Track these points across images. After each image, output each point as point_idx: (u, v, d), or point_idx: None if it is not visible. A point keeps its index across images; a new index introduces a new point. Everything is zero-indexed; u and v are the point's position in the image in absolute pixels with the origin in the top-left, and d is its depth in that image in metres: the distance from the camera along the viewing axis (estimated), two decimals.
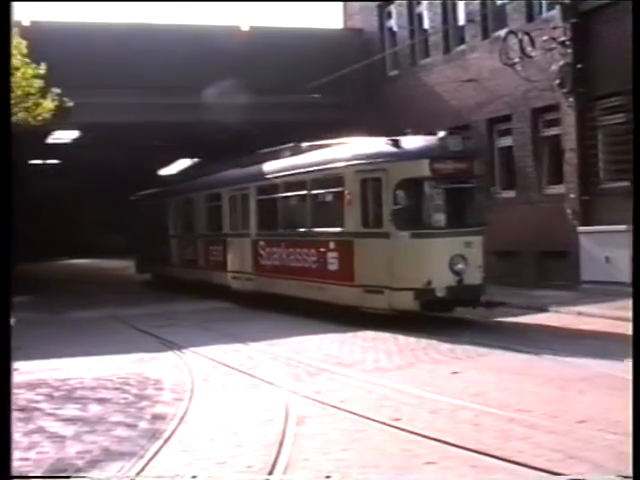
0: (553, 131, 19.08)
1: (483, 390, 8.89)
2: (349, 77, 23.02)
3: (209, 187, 21.87)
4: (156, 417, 8.19)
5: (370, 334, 13.37)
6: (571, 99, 17.71)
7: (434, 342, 12.27)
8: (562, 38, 17.68)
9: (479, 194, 14.40)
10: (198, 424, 7.93)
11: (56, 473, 6.50)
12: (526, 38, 18.51)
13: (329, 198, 15.59)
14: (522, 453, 6.49)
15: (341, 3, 27.83)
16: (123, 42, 22.31)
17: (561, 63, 17.69)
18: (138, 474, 6.40)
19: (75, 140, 28.21)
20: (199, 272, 22.07)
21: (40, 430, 7.83)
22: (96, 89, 20.92)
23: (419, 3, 24.01)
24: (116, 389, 9.68)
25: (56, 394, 9.53)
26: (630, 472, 4.95)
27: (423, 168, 13.62)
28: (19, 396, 9.46)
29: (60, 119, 14.05)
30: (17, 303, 14.95)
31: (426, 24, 23.80)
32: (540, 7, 19.43)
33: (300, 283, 16.10)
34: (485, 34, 21.01)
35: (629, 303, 9.09)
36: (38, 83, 12.75)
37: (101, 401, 9.04)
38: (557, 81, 17.79)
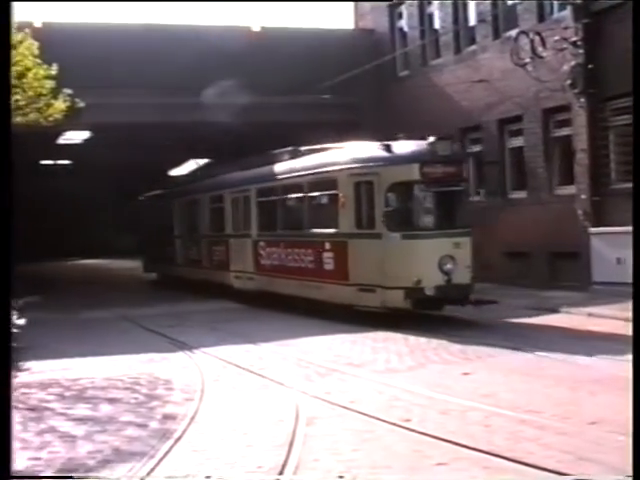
0: (564, 132, 19.02)
1: (494, 391, 8.88)
2: (360, 77, 23.00)
3: (212, 189, 22.32)
4: (167, 417, 8.21)
5: (381, 335, 13.36)
6: (582, 99, 17.65)
7: (445, 343, 12.26)
8: (573, 38, 17.62)
9: (467, 196, 14.88)
10: (209, 424, 7.94)
11: (66, 473, 6.52)
12: (537, 38, 18.46)
13: (325, 200, 16.11)
14: (533, 454, 6.47)
15: (352, 3, 27.82)
16: (134, 43, 22.35)
17: (572, 63, 17.63)
18: (149, 474, 6.41)
19: (86, 141, 28.28)
20: (203, 272, 22.55)
21: (51, 430, 7.86)
22: (107, 89, 20.96)
23: (430, 3, 23.97)
24: (127, 389, 9.70)
25: (67, 394, 9.55)
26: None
27: (413, 172, 14.15)
28: (30, 396, 9.50)
29: (71, 120, 14.07)
30: (28, 303, 15.02)
31: (437, 24, 23.74)
32: (551, 7, 19.36)
33: (298, 282, 16.58)
34: (496, 34, 20.95)
35: None
36: (50, 84, 12.77)
37: (112, 401, 9.06)
38: (568, 81, 17.73)
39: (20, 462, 6.79)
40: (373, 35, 25.92)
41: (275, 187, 17.96)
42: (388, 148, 14.52)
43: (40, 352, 12.18)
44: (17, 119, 12.57)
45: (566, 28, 17.86)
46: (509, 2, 20.74)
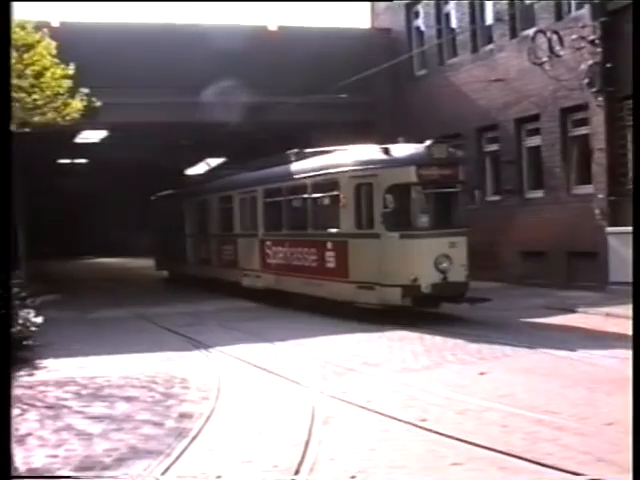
0: (582, 131, 18.93)
1: (511, 391, 8.84)
2: (376, 77, 22.98)
3: (222, 189, 22.84)
4: (183, 416, 8.22)
5: (397, 334, 13.35)
6: (600, 98, 17.56)
7: (461, 342, 12.22)
8: (591, 37, 17.53)
9: (463, 198, 15.32)
10: (225, 423, 7.95)
11: (83, 470, 6.54)
12: (555, 37, 18.38)
13: (327, 201, 16.56)
14: (551, 455, 6.44)
15: (368, 3, 27.78)
16: (151, 42, 22.41)
17: (590, 62, 17.55)
18: (164, 472, 6.42)
19: (103, 140, 28.41)
20: (213, 270, 23.10)
21: (68, 427, 7.89)
22: (124, 89, 21.03)
23: (447, 2, 23.91)
24: (143, 387, 9.72)
25: (84, 392, 9.59)
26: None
27: (410, 174, 14.61)
28: (47, 394, 9.55)
29: (88, 119, 14.13)
30: (45, 302, 15.11)
31: (454, 23, 23.68)
32: (569, 6, 19.26)
33: (302, 280, 17.10)
34: (513, 33, 20.87)
35: None
36: (67, 83, 12.81)
37: (128, 399, 9.08)
38: (586, 80, 17.65)
39: (38, 459, 6.83)
40: (389, 34, 25.87)
41: (280, 188, 18.52)
42: (387, 151, 15.00)
43: (57, 350, 12.26)
44: (35, 118, 12.65)
45: (584, 26, 17.78)
46: (526, 1, 20.64)
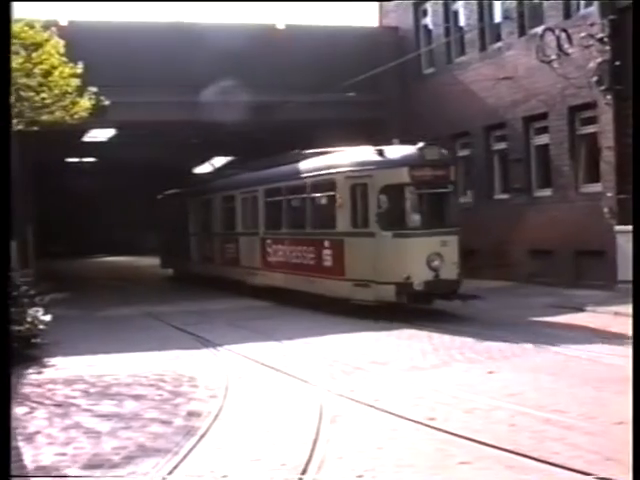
0: (590, 129, 18.88)
1: (519, 390, 8.83)
2: (384, 75, 22.96)
3: (225, 189, 23.34)
4: (191, 414, 8.24)
5: (405, 332, 13.36)
6: (609, 96, 17.51)
7: (469, 341, 12.21)
8: (600, 35, 17.47)
9: (454, 197, 15.89)
10: (233, 421, 7.96)
11: (91, 469, 6.56)
12: (563, 35, 18.34)
13: (324, 201, 17.04)
14: (558, 454, 6.43)
15: (376, 1, 27.74)
16: (159, 41, 22.44)
17: (599, 60, 17.50)
18: (172, 471, 6.44)
19: (111, 139, 28.46)
20: (216, 268, 23.56)
21: (77, 425, 7.92)
22: (132, 88, 21.04)
23: (455, 0, 23.87)
24: (151, 386, 9.75)
25: (92, 390, 9.62)
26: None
27: (403, 175, 15.05)
28: (56, 392, 9.58)
29: (96, 118, 14.14)
30: (54, 300, 15.14)
31: (462, 21, 23.63)
32: (578, 4, 19.20)
33: (300, 278, 17.58)
34: (522, 31, 20.81)
35: None
36: (75, 82, 12.81)
37: (136, 397, 9.11)
38: (595, 78, 17.60)
39: (46, 457, 6.86)
40: (397, 32, 25.84)
41: (280, 188, 18.99)
42: (381, 153, 15.45)
43: (65, 348, 12.29)
44: (43, 117, 12.67)
45: (592, 24, 17.72)
46: None
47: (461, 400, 8.46)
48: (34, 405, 8.85)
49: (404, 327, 13.77)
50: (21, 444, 7.26)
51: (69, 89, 12.66)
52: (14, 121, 12.48)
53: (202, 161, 37.47)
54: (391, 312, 14.81)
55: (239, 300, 19.56)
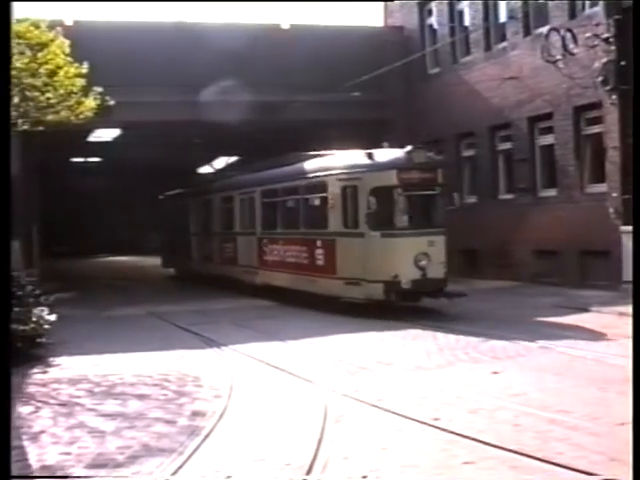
0: (595, 129, 18.85)
1: (523, 390, 8.83)
2: (389, 75, 22.95)
3: (224, 190, 23.91)
4: (195, 414, 8.24)
5: (410, 333, 13.35)
6: (614, 96, 17.48)
7: (474, 341, 12.20)
8: (605, 35, 17.45)
9: (441, 200, 16.20)
10: (237, 421, 7.96)
11: (96, 468, 6.57)
12: (568, 35, 18.31)
13: (317, 202, 17.60)
14: (563, 455, 6.43)
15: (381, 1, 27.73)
16: (164, 41, 22.46)
17: (604, 60, 17.47)
18: (177, 470, 6.44)
19: (116, 139, 28.49)
20: (215, 267, 24.09)
21: (81, 425, 7.93)
22: (137, 87, 21.07)
23: (460, 0, 23.85)
24: (156, 385, 9.75)
25: (97, 390, 9.62)
26: None
27: (391, 178, 15.56)
28: (61, 391, 9.59)
29: (101, 117, 14.14)
30: (59, 299, 15.16)
31: (467, 21, 23.63)
32: (583, 4, 19.18)
33: (295, 277, 18.12)
34: (527, 31, 20.80)
35: None
36: (80, 82, 12.82)
37: (141, 397, 9.11)
38: (600, 78, 17.57)
39: (51, 457, 6.87)
40: (402, 32, 25.83)
41: (276, 189, 19.59)
42: (370, 156, 15.96)
43: (70, 348, 12.31)
44: (49, 117, 12.67)
45: (598, 24, 17.69)
46: None
47: (465, 400, 8.46)
48: (39, 404, 8.87)
49: (409, 327, 13.78)
50: (26, 443, 7.27)
51: (74, 89, 12.66)
52: (19, 121, 12.51)
53: (206, 161, 37.48)
54: (394, 312, 14.89)
55: (242, 300, 19.57)
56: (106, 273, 33.89)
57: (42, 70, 12.43)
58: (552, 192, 20.20)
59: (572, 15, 19.19)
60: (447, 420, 7.64)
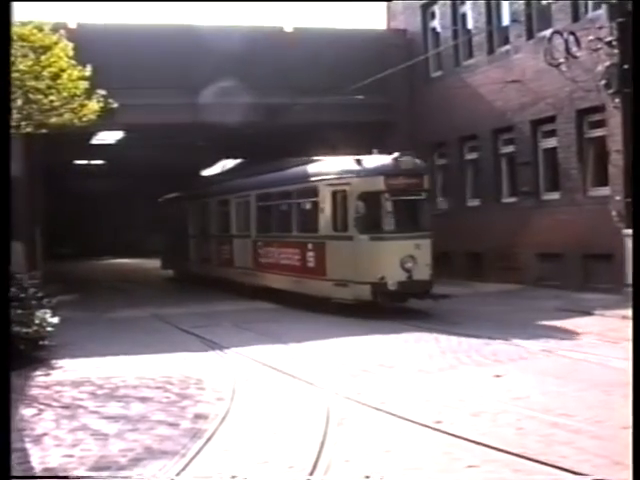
0: (598, 132, 18.83)
1: (526, 394, 8.82)
2: (392, 78, 22.93)
3: (221, 193, 24.47)
4: (198, 416, 8.24)
5: (412, 336, 13.35)
6: (617, 100, 17.47)
7: (476, 345, 12.19)
8: (608, 38, 17.40)
9: (427, 204, 16.89)
10: (240, 424, 7.96)
11: (98, 470, 6.57)
12: (571, 38, 18.28)
13: (308, 206, 18.18)
14: (565, 458, 6.42)
15: (384, 4, 27.76)
16: (167, 43, 22.47)
17: (607, 63, 17.43)
18: (179, 473, 6.44)
19: (119, 141, 28.50)
20: (213, 269, 24.60)
21: (84, 427, 7.93)
22: (141, 90, 21.09)
23: (463, 3, 23.84)
24: (158, 388, 9.75)
25: (99, 392, 9.63)
26: None
27: (379, 183, 16.13)
28: (63, 393, 9.59)
29: (105, 120, 14.15)
30: (63, 302, 15.18)
31: (470, 24, 23.62)
32: (586, 7, 19.15)
33: (288, 278, 18.62)
34: (530, 34, 20.78)
35: None
36: (84, 84, 12.83)
37: (144, 400, 9.11)
38: (603, 82, 17.55)
39: (53, 459, 6.87)
40: (405, 35, 25.83)
41: (270, 194, 20.16)
42: (359, 162, 16.51)
43: (73, 350, 12.31)
44: (52, 120, 12.68)
45: (601, 28, 17.66)
46: (543, 2, 20.55)
47: (468, 403, 8.45)
48: (42, 407, 8.87)
49: (411, 330, 13.78)
50: (28, 446, 7.28)
51: (77, 92, 12.66)
52: (23, 124, 12.52)
53: (211, 163, 37.46)
54: (397, 314, 14.98)
55: (242, 302, 19.60)
56: (108, 275, 33.90)
57: (45, 73, 12.43)
58: (555, 195, 20.18)
59: (575, 18, 19.18)
60: (450, 423, 7.63)
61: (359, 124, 24.45)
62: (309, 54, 23.21)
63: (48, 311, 12.35)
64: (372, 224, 16.14)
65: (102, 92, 12.99)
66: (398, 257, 15.75)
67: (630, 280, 16.85)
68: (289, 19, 57.24)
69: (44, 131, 13.17)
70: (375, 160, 16.77)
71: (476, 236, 22.20)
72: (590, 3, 18.94)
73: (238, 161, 35.20)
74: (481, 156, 23.09)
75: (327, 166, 17.65)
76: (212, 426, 7.78)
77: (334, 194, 16.77)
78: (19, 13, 14.61)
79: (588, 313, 15.22)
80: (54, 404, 9.02)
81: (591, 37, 17.73)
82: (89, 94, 12.88)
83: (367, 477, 6.21)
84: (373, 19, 70.68)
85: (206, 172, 37.91)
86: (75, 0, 42.77)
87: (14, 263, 10.53)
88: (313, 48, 23.31)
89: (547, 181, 20.65)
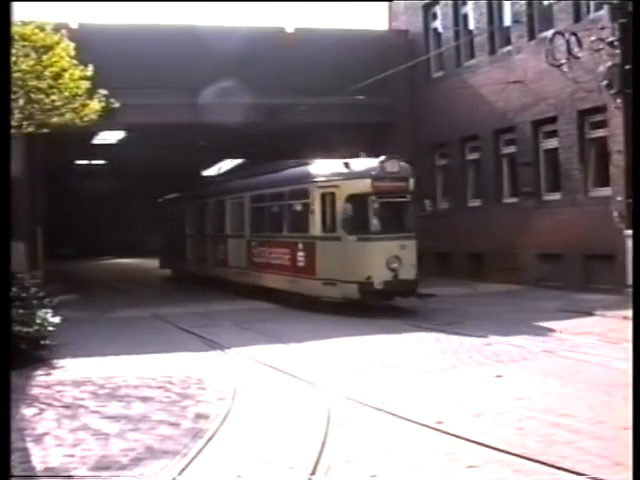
0: (600, 133, 18.83)
1: (527, 394, 8.82)
2: (393, 79, 22.95)
3: (216, 194, 24.91)
4: (199, 416, 8.24)
5: (413, 336, 13.35)
6: (619, 100, 17.46)
7: (477, 345, 12.20)
8: (610, 38, 17.41)
9: (413, 206, 17.23)
10: (241, 424, 7.96)
11: (99, 470, 6.57)
12: (573, 39, 18.29)
13: (299, 208, 18.71)
14: (566, 458, 6.42)
15: (386, 4, 27.75)
16: (169, 43, 22.47)
17: (609, 64, 17.43)
18: (180, 473, 6.44)
19: (120, 141, 28.52)
20: (209, 268, 25.01)
21: (85, 427, 7.93)
22: (142, 90, 21.11)
23: (464, 3, 23.85)
24: (159, 388, 9.75)
25: (100, 392, 9.63)
26: None
27: (366, 186, 16.58)
28: (65, 393, 9.60)
29: (106, 120, 14.16)
30: (64, 302, 15.20)
31: (471, 25, 23.63)
32: (588, 7, 19.16)
33: (279, 277, 19.09)
34: (531, 35, 20.78)
35: None
36: (85, 84, 12.83)
37: (145, 399, 9.12)
38: (605, 82, 17.55)
39: (55, 459, 6.87)
40: (407, 36, 25.84)
41: (263, 195, 20.65)
42: (347, 165, 17.07)
43: (74, 350, 12.31)
44: (53, 119, 12.68)
45: (602, 28, 17.66)
46: (545, 2, 20.56)
47: (469, 403, 8.45)
48: (43, 406, 8.87)
49: (412, 330, 13.79)
50: (29, 445, 7.28)
51: (79, 91, 12.66)
52: (24, 123, 12.52)
53: (212, 163, 37.49)
54: (395, 314, 15.07)
55: (244, 302, 19.61)
56: (108, 275, 33.92)
57: (47, 73, 12.43)
58: (556, 196, 20.18)
59: (577, 19, 19.18)
60: (451, 423, 7.63)
61: (360, 125, 24.46)
62: (310, 55, 23.22)
63: (49, 311, 12.36)
64: (359, 225, 16.58)
65: (103, 92, 13.00)
66: (384, 257, 16.18)
67: (631, 281, 16.89)
68: (290, 19, 57.25)
69: (45, 131, 13.17)
70: (363, 163, 17.21)
71: (477, 236, 22.21)
72: (592, 4, 18.94)
73: (238, 162, 35.26)
74: (482, 156, 23.08)
75: (317, 169, 18.06)
76: (213, 426, 7.78)
77: (323, 196, 17.27)
78: (21, 13, 14.63)
79: (589, 314, 15.22)
80: (55, 404, 9.02)
81: (593, 38, 17.73)
82: (90, 94, 12.88)
83: (373, 476, 6.21)
84: (374, 20, 70.65)
85: (206, 173, 38.04)
86: (76, 0, 42.79)
87: (15, 263, 10.54)
88: (314, 49, 23.33)
89: (548, 182, 20.64)
